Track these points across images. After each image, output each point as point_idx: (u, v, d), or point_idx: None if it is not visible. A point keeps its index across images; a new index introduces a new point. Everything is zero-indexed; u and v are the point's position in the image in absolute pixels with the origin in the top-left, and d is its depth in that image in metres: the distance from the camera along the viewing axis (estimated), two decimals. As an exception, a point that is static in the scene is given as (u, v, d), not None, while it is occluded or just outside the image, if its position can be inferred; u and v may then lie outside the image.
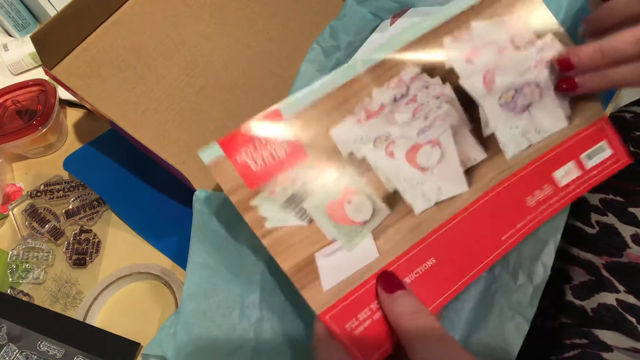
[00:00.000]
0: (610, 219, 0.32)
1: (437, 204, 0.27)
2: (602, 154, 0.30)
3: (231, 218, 0.31)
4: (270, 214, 0.24)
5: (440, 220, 0.27)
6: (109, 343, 0.38)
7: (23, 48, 0.60)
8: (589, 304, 0.31)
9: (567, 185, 0.29)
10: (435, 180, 0.27)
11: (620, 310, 0.29)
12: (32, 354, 0.37)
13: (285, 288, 0.32)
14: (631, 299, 0.29)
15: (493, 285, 0.33)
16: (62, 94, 0.54)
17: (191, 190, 0.32)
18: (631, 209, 0.32)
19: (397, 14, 0.43)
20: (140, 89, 0.39)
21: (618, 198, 0.33)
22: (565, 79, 0.28)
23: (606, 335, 0.29)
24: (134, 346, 0.38)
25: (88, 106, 0.40)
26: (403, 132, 0.27)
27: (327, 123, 0.25)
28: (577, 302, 0.32)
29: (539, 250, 0.32)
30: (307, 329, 0.32)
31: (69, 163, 0.50)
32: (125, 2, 0.39)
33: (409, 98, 0.27)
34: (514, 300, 0.31)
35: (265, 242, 0.24)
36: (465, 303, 0.34)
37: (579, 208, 0.34)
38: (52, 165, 0.52)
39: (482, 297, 0.34)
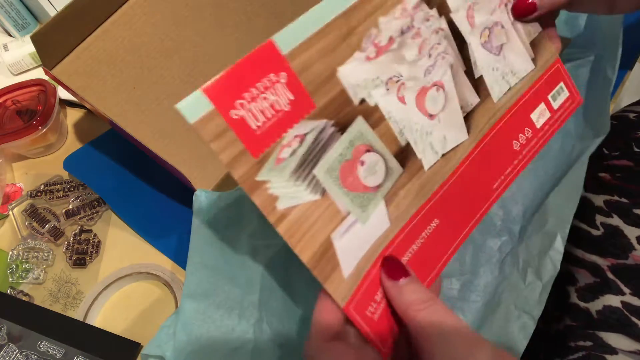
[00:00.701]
0: (615, 220, 0.32)
1: (443, 156, 0.25)
2: (562, 95, 0.30)
3: (231, 218, 0.31)
4: (280, 191, 0.20)
5: (445, 175, 0.25)
6: (109, 343, 0.37)
7: (23, 48, 0.60)
8: (594, 306, 0.30)
9: (543, 127, 0.29)
10: (442, 129, 0.25)
11: (626, 312, 0.29)
12: (32, 354, 0.37)
13: (285, 289, 0.32)
14: (636, 301, 0.29)
15: (501, 285, 0.33)
16: (62, 94, 0.54)
17: (191, 190, 0.32)
18: (636, 211, 0.32)
19: None
20: (140, 89, 0.39)
21: (623, 199, 0.33)
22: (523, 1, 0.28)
23: (611, 338, 0.29)
24: (134, 346, 0.37)
25: (88, 106, 0.40)
26: (411, 72, 0.23)
27: (332, 61, 0.21)
28: (582, 304, 0.31)
29: (547, 245, 0.31)
30: (306, 329, 0.32)
31: (69, 163, 0.50)
32: (125, 2, 0.38)
33: (414, 32, 0.24)
34: (522, 298, 0.31)
35: (280, 230, 0.20)
36: (472, 304, 0.34)
37: (583, 210, 0.34)
38: (52, 165, 0.52)
39: (490, 297, 0.33)
